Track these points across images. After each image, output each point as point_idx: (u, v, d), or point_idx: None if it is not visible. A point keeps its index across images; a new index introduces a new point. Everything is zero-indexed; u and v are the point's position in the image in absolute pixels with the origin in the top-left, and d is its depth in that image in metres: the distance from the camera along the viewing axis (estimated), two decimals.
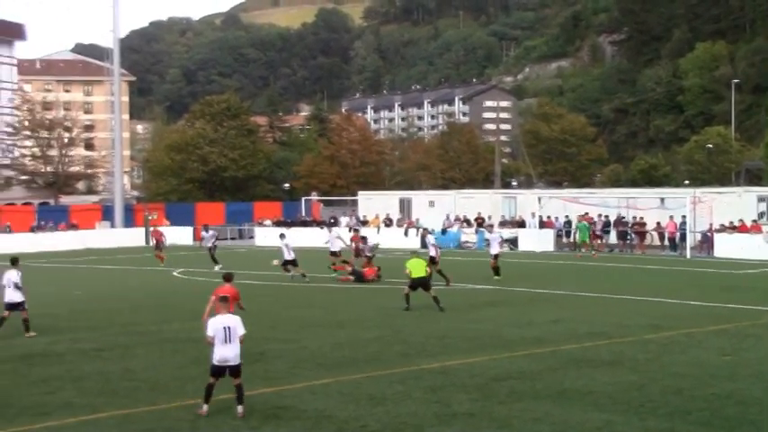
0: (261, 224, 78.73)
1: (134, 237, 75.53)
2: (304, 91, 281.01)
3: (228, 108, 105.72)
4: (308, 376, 19.52)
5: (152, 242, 58.11)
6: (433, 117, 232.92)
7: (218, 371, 16.28)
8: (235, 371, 16.32)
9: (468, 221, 66.28)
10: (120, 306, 33.61)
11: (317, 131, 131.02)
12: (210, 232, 51.59)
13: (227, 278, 22.68)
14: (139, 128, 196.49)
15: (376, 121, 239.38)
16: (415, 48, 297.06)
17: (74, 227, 77.79)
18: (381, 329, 26.20)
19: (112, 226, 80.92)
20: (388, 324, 27.22)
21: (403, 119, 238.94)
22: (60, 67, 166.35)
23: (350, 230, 57.88)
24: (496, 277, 39.21)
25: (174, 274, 46.75)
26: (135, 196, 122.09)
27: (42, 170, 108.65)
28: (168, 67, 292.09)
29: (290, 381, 19.14)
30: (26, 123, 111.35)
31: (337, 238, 45.56)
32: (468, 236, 64.29)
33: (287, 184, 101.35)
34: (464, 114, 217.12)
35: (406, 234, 65.95)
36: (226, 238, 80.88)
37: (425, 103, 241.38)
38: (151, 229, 58.15)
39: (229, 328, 16.29)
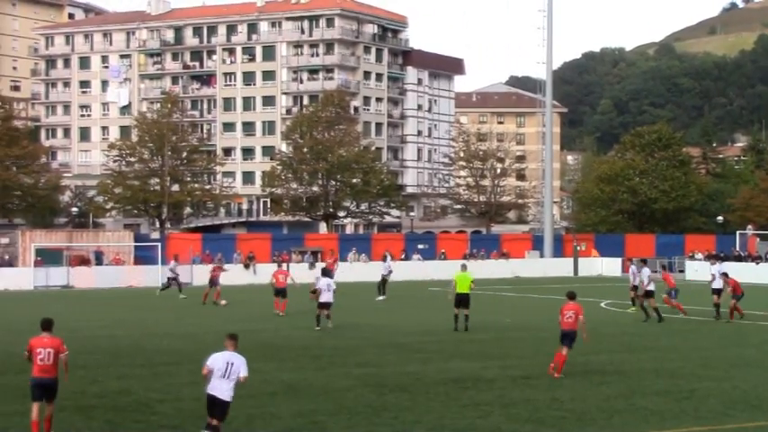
0: (692, 257, 76.69)
1: (563, 267, 76.11)
2: (740, 121, 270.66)
3: (660, 139, 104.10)
4: (740, 418, 18.66)
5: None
6: None
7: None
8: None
9: None
10: (546, 335, 33.83)
11: (754, 163, 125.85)
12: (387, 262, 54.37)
13: (571, 296, 24.37)
14: (570, 159, 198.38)
15: None
16: None
17: (505, 255, 79.68)
18: None
19: (542, 256, 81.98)
20: None
21: None
22: (494, 100, 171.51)
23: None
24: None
25: (602, 305, 46.51)
26: (564, 226, 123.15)
27: (475, 199, 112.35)
28: (599, 98, 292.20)
29: (721, 421, 18.37)
30: (461, 154, 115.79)
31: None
32: None
33: (720, 217, 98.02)
34: None
35: None
36: (655, 271, 79.49)
37: None
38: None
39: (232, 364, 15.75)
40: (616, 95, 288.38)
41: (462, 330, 33.43)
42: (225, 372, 15.64)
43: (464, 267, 35.59)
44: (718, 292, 39.12)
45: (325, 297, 34.92)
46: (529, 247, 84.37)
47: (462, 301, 33.82)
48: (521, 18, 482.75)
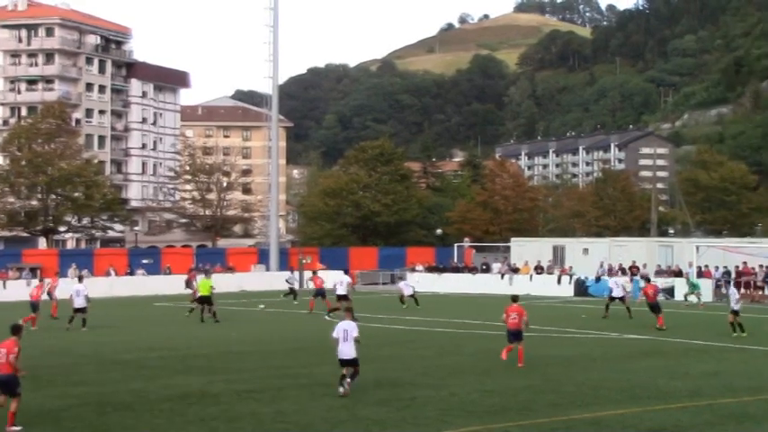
0: (413, 270, 78.93)
1: None
2: (458, 137, 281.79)
3: (382, 153, 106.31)
4: (457, 423, 19.38)
5: (308, 286, 58.12)
6: (587, 164, 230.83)
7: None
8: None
9: (622, 270, 65.11)
10: (272, 348, 34.09)
11: (471, 177, 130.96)
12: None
13: (515, 299, 28.02)
14: (295, 173, 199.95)
15: (530, 168, 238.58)
16: (571, 94, 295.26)
17: (230, 269, 79.50)
18: (532, 378, 25.85)
19: (267, 269, 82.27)
20: (538, 373, 26.84)
21: (557, 165, 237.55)
22: (221, 114, 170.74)
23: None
24: (743, 334, 36.05)
25: (326, 318, 47.17)
26: (290, 240, 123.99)
27: (201, 213, 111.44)
28: (324, 113, 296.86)
29: (438, 428, 19.03)
30: (187, 168, 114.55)
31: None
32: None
33: (439, 230, 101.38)
34: (620, 161, 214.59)
35: (558, 282, 65.23)
36: (378, 283, 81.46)
37: (580, 149, 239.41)
38: (309, 275, 58.66)
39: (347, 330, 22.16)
40: (340, 111, 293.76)
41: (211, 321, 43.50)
42: (344, 337, 22.18)
43: (207, 275, 48.36)
44: (621, 299, 46.31)
45: (77, 303, 41.03)
46: (255, 260, 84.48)
47: (205, 300, 44.36)
48: (247, 33, 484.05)
